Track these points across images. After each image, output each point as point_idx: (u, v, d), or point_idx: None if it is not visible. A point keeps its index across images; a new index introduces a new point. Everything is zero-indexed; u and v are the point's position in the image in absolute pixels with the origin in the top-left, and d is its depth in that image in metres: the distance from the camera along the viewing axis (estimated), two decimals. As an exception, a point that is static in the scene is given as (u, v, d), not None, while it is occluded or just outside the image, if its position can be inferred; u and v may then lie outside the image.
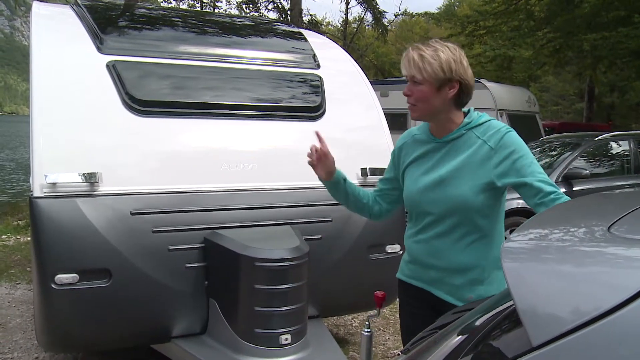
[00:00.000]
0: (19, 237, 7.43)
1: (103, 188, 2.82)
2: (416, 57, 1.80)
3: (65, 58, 3.12)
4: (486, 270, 1.87)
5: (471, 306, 1.33)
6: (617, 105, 25.44)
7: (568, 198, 1.71)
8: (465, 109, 1.93)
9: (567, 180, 6.30)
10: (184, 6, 17.61)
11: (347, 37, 21.93)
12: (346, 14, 23.05)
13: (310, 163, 2.05)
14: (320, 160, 2.02)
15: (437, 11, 21.92)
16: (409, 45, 1.88)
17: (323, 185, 2.13)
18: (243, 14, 16.77)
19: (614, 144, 7.14)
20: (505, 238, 1.22)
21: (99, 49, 3.18)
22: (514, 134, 1.85)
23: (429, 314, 1.94)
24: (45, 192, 2.72)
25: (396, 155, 2.08)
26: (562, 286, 0.78)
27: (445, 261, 1.89)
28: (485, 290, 1.86)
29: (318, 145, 2.02)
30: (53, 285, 2.65)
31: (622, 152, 7.04)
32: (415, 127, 2.05)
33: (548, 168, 6.57)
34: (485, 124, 1.88)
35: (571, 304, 0.74)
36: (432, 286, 1.95)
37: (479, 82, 10.22)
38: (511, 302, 1.01)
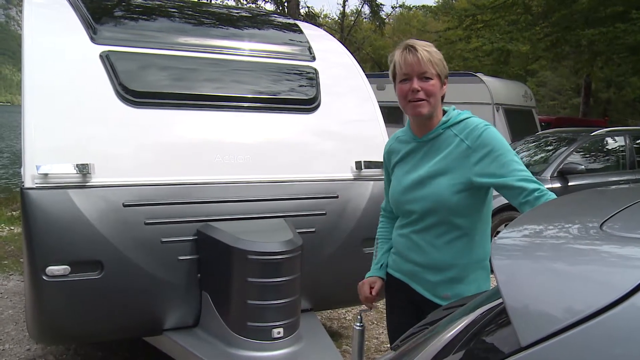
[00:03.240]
0: (12, 227, 7.40)
1: (95, 179, 2.79)
2: (424, 54, 1.79)
3: (58, 48, 3.09)
4: (466, 270, 1.86)
5: (463, 302, 1.33)
6: (613, 101, 25.52)
7: (553, 195, 1.68)
8: (445, 107, 1.93)
9: (563, 175, 6.31)
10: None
11: (344, 29, 21.87)
12: (343, 6, 22.98)
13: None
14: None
15: (434, 4, 21.84)
16: (399, 48, 1.86)
17: (317, 179, 2.13)
18: (240, 5, 16.68)
19: (609, 140, 7.14)
20: (493, 236, 1.21)
21: (93, 39, 3.15)
22: (491, 131, 1.81)
23: (408, 307, 1.97)
24: (36, 183, 2.69)
25: (386, 160, 2.10)
26: (553, 284, 0.77)
27: (424, 257, 1.90)
28: (464, 289, 1.85)
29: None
30: (44, 277, 2.63)
31: (618, 147, 7.04)
32: (400, 130, 2.05)
33: (544, 163, 6.57)
34: (463, 121, 1.86)
35: (562, 302, 0.73)
36: (410, 279, 1.96)
37: (476, 76, 10.21)
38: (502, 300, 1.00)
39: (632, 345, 0.63)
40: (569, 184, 6.23)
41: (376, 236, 2.21)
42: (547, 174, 6.27)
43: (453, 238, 1.85)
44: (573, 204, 1.28)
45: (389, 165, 2.08)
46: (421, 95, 1.81)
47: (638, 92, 21.00)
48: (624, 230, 0.89)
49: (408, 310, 1.97)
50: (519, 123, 10.07)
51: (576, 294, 0.73)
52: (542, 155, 6.91)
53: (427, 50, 1.81)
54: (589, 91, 18.92)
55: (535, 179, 1.75)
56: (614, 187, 1.77)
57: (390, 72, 1.91)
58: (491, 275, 1.87)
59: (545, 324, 0.69)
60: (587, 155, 6.87)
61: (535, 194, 1.69)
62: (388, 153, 2.08)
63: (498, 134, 1.82)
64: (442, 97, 1.88)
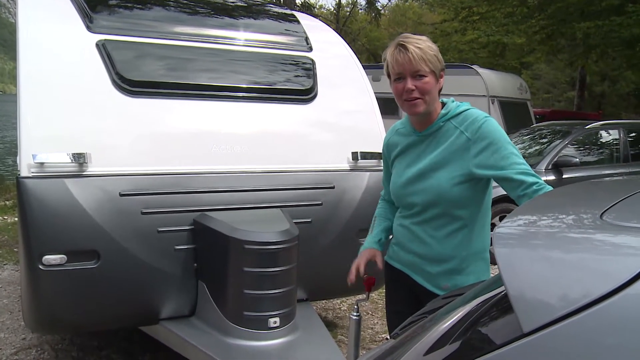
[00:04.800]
0: (6, 217, 7.37)
1: (92, 169, 2.78)
2: (417, 51, 1.77)
3: (53, 36, 3.06)
4: (465, 261, 1.88)
5: (461, 291, 1.34)
6: (607, 94, 25.62)
7: (551, 188, 1.70)
8: (444, 99, 1.92)
9: (557, 168, 6.33)
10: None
11: (340, 20, 21.80)
12: (339, -3, 22.89)
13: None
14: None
15: (430, -4, 21.78)
16: (391, 46, 1.84)
17: (313, 169, 2.13)
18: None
19: (603, 133, 7.17)
20: (494, 226, 1.22)
21: (89, 28, 3.12)
22: (491, 123, 1.82)
23: (408, 297, 1.99)
24: (33, 172, 2.68)
25: (385, 152, 2.11)
26: (554, 273, 0.78)
27: (424, 249, 1.91)
28: (462, 280, 1.87)
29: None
30: (40, 266, 2.63)
31: (612, 140, 7.08)
32: (399, 122, 2.06)
33: (538, 155, 6.60)
34: (463, 113, 1.86)
35: (562, 291, 0.74)
36: (411, 270, 1.97)
37: (471, 68, 10.21)
38: (502, 288, 1.01)
39: (629, 334, 0.64)
40: (564, 176, 6.26)
41: (374, 214, 2.21)
42: (542, 166, 6.29)
43: (453, 230, 1.86)
44: (570, 195, 1.29)
45: (388, 158, 2.08)
46: (416, 94, 1.81)
47: (632, 86, 21.10)
48: (622, 220, 0.90)
49: (407, 300, 1.99)
50: (514, 115, 10.09)
51: (575, 282, 0.74)
52: (537, 147, 6.93)
53: (419, 47, 1.78)
54: (583, 84, 18.97)
55: (534, 173, 1.77)
56: (608, 179, 1.78)
57: (384, 70, 1.90)
58: (492, 266, 1.88)
59: (546, 312, 0.70)
60: (582, 148, 6.91)
61: (534, 187, 1.71)
62: (387, 146, 2.08)
63: (497, 126, 1.83)
64: (440, 90, 1.88)
